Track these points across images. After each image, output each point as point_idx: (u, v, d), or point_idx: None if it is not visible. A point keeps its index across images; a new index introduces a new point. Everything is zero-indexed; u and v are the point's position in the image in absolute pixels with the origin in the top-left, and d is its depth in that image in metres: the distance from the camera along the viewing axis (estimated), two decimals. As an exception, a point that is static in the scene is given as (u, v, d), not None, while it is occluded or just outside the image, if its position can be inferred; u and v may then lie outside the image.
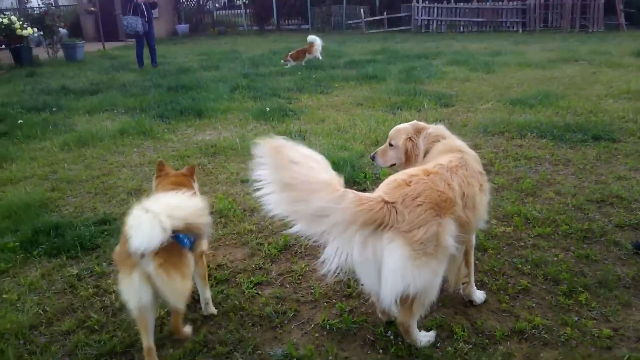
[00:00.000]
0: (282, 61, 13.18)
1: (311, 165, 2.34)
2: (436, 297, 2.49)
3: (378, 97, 8.46)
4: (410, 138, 2.96)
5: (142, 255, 2.22)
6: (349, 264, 2.36)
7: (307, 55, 13.32)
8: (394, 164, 3.10)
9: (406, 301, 2.44)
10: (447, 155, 2.72)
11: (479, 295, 3.00)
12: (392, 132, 3.10)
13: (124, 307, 3.01)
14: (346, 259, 2.35)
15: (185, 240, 2.41)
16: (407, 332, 2.59)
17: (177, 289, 2.31)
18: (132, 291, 2.31)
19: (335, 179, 2.34)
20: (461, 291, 3.01)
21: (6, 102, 9.12)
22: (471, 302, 2.98)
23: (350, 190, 2.34)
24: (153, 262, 2.24)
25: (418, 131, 2.97)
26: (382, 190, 2.47)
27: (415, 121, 3.08)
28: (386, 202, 2.34)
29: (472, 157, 2.78)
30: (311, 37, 13.84)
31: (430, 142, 2.90)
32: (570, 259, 3.37)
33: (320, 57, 13.58)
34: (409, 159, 2.97)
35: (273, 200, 2.41)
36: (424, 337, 2.64)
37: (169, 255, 2.28)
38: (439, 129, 2.96)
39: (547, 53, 13.73)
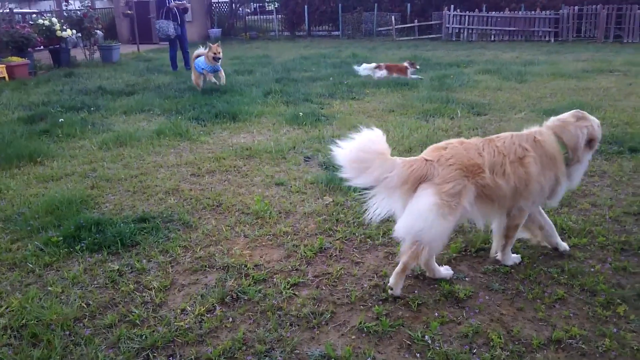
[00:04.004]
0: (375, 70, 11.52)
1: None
2: (441, 249, 3.13)
3: (410, 105, 8.48)
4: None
5: None
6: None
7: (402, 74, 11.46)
8: None
9: (415, 245, 2.93)
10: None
11: (513, 259, 3.46)
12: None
13: (164, 303, 3.12)
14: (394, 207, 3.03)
15: None
16: (402, 272, 3.08)
17: None
18: None
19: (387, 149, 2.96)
20: (498, 256, 3.46)
21: (46, 101, 9.40)
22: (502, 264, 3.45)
23: (398, 157, 3.00)
24: None
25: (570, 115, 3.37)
26: (424, 153, 3.10)
27: (579, 111, 3.40)
28: (426, 160, 2.96)
29: (525, 136, 3.22)
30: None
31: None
32: (607, 271, 3.35)
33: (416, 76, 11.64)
34: None
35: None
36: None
37: None
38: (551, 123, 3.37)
39: (580, 63, 13.56)
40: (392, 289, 3.11)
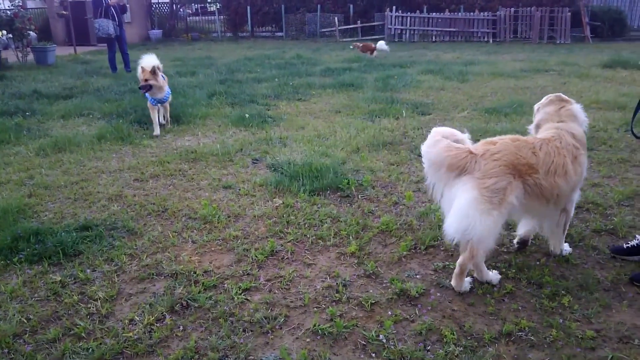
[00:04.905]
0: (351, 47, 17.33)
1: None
2: (492, 246, 3.01)
3: (356, 105, 8.53)
4: (539, 105, 3.62)
5: None
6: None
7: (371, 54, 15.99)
8: None
9: (466, 245, 2.95)
10: (546, 132, 3.25)
11: (565, 248, 3.54)
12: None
13: (111, 313, 3.00)
14: (439, 195, 3.07)
15: None
16: (461, 274, 3.09)
17: None
18: None
19: (441, 130, 3.08)
20: (551, 248, 3.54)
21: (-24, 106, 8.91)
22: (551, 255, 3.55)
23: (446, 140, 2.99)
24: None
25: (549, 103, 3.53)
26: (476, 145, 3.05)
27: (560, 94, 3.59)
28: (470, 153, 2.91)
29: (569, 133, 3.21)
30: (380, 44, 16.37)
31: (544, 119, 3.45)
32: (551, 263, 3.46)
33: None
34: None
35: None
36: (466, 284, 3.14)
37: None
38: (562, 112, 3.41)
39: (518, 63, 14.04)
40: (457, 288, 3.12)
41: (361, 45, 16.84)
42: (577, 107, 3.49)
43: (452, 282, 3.13)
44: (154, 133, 6.88)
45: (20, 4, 19.36)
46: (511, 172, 2.86)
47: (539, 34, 22.08)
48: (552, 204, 3.12)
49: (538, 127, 3.56)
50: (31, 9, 25.96)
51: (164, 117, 7.39)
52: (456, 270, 3.10)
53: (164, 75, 7.33)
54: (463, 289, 3.11)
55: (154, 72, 6.84)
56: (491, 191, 2.81)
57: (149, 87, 6.87)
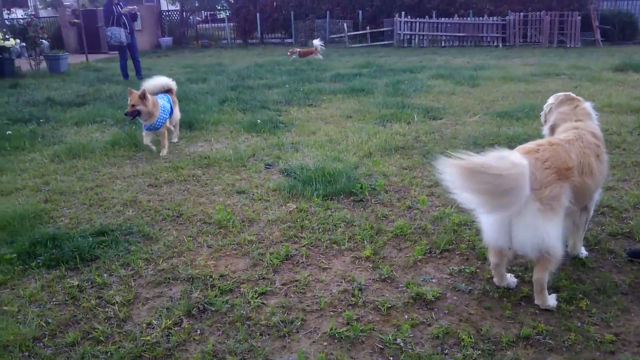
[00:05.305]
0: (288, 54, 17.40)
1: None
2: (562, 252, 2.90)
3: (367, 110, 8.55)
4: (550, 106, 3.63)
5: None
6: None
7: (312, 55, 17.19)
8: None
9: (540, 257, 2.85)
10: (566, 133, 3.21)
11: (582, 251, 3.52)
12: (552, 96, 3.74)
13: (129, 317, 3.02)
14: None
15: None
16: (541, 290, 2.97)
17: None
18: None
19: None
20: (568, 249, 3.49)
21: (-9, 114, 9.02)
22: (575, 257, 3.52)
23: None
24: None
25: (561, 103, 3.55)
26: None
27: (569, 93, 3.61)
28: None
29: (589, 132, 3.20)
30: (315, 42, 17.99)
31: (560, 119, 3.45)
32: (568, 267, 3.44)
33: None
34: (545, 121, 3.68)
35: None
36: (552, 300, 3.01)
37: None
38: (578, 110, 3.44)
39: (528, 67, 14.01)
40: (542, 305, 3.01)
41: (298, 50, 17.60)
42: (589, 105, 3.51)
43: (537, 301, 3.01)
44: (146, 149, 6.34)
45: (33, 12, 19.59)
46: (559, 177, 2.83)
47: (549, 38, 22.02)
48: (578, 204, 3.11)
49: (553, 128, 3.55)
50: (43, 17, 26.28)
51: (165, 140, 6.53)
52: (536, 288, 2.99)
53: (170, 99, 6.79)
54: (549, 304, 2.99)
55: (143, 96, 6.11)
56: (551, 199, 2.77)
57: (136, 113, 6.14)
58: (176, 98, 7.16)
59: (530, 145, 3.02)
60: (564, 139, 3.08)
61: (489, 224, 2.92)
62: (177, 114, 7.04)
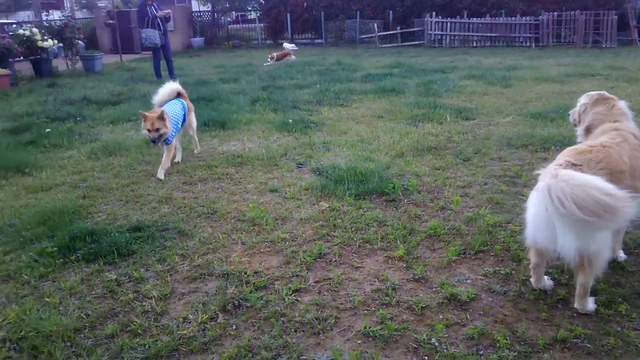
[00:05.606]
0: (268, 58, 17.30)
1: None
2: (610, 255, 2.88)
3: (398, 110, 8.52)
4: (585, 106, 3.57)
5: None
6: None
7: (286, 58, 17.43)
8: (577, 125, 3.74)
9: (584, 261, 2.74)
10: (608, 134, 3.16)
11: (620, 255, 3.46)
12: (583, 95, 3.72)
13: (165, 312, 3.08)
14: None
15: None
16: (584, 294, 2.88)
17: None
18: None
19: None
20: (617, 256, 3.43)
21: (30, 112, 9.28)
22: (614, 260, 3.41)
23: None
24: None
25: (596, 103, 3.49)
26: (566, 156, 2.92)
27: (603, 92, 3.56)
28: (573, 165, 2.78)
29: (630, 133, 3.16)
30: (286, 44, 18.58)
31: (596, 119, 3.41)
32: (606, 270, 3.37)
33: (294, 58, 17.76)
34: (579, 122, 3.63)
35: None
36: (591, 304, 2.93)
37: None
38: (615, 111, 3.40)
39: (562, 68, 13.76)
40: (582, 310, 2.94)
41: (276, 55, 17.54)
42: (624, 104, 3.44)
43: (576, 305, 2.93)
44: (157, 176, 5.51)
45: (70, 14, 20.06)
46: (613, 179, 2.72)
47: (584, 38, 21.59)
48: None
49: (589, 129, 3.49)
50: (79, 19, 26.86)
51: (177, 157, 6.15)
52: (579, 291, 2.90)
53: (185, 105, 6.15)
54: (589, 309, 2.91)
55: (162, 117, 5.44)
56: None
57: (160, 137, 5.50)
58: (191, 103, 6.51)
59: (582, 146, 2.99)
60: (612, 142, 3.02)
61: (534, 224, 2.81)
62: (192, 121, 6.41)
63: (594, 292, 3.11)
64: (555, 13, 22.29)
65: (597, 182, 2.48)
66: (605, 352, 2.62)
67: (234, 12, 35.75)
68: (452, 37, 23.86)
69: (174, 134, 5.73)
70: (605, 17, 21.22)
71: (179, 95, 6.23)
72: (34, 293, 3.33)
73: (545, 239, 2.77)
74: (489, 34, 23.35)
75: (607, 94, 3.53)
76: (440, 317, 2.95)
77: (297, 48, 18.22)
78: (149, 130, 5.41)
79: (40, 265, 3.64)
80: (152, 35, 13.25)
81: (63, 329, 2.91)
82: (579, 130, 3.64)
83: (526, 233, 2.94)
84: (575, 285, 2.95)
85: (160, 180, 5.41)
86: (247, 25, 32.58)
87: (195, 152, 6.40)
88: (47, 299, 3.23)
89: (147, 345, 2.77)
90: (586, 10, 21.75)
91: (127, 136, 7.38)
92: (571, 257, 2.70)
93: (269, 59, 17.21)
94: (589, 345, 2.66)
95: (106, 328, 2.93)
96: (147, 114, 5.48)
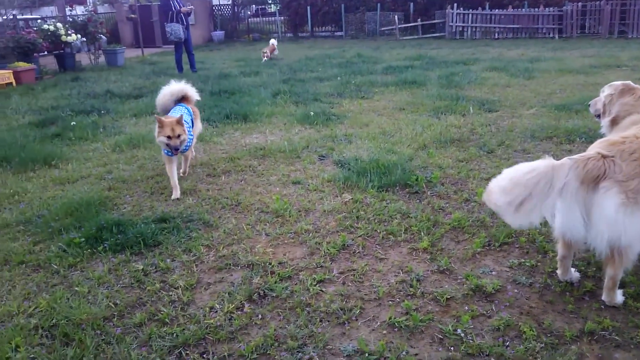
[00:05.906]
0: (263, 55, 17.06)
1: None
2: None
3: (420, 102, 8.47)
4: (611, 96, 3.51)
5: None
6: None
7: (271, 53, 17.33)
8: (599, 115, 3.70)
9: (615, 253, 2.71)
10: (639, 125, 3.05)
11: None
12: (606, 85, 3.64)
13: (192, 301, 3.12)
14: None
15: None
16: (613, 287, 2.85)
17: None
18: None
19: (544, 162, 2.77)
20: None
21: (55, 106, 9.43)
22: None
23: (565, 159, 2.72)
24: None
25: (623, 93, 3.44)
26: (597, 147, 2.81)
27: (628, 82, 3.51)
28: (604, 157, 2.68)
29: None
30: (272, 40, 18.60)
31: (624, 110, 3.37)
32: (636, 263, 3.33)
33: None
34: (604, 113, 3.56)
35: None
36: (619, 296, 2.90)
37: None
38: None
39: (586, 59, 13.53)
40: (610, 302, 2.92)
41: (268, 51, 17.39)
42: None
43: (604, 297, 2.91)
44: (173, 196, 4.79)
45: (93, 9, 20.29)
46: None
47: (609, 29, 21.19)
48: None
49: (616, 120, 3.42)
50: (101, 13, 27.13)
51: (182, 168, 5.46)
52: (608, 284, 2.86)
53: (191, 110, 5.34)
54: (617, 301, 2.89)
55: (180, 121, 4.75)
56: (636, 192, 2.59)
57: (181, 143, 4.79)
58: (196, 108, 5.68)
59: (615, 137, 2.89)
60: None
61: (564, 214, 2.74)
62: (198, 126, 5.67)
63: (622, 285, 3.07)
64: (580, 3, 21.90)
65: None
66: (634, 344, 2.59)
67: (253, 6, 35.75)
68: (474, 29, 23.60)
69: (191, 141, 5.15)
70: (632, 6, 20.78)
71: (182, 99, 5.44)
72: (64, 282, 3.40)
73: (575, 230, 2.71)
74: (511, 26, 23.05)
75: (632, 83, 3.46)
76: (466, 308, 2.95)
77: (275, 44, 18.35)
78: (169, 137, 4.66)
79: (69, 255, 3.71)
80: (177, 29, 13.35)
81: (93, 317, 2.97)
82: (604, 122, 3.57)
83: (554, 224, 2.89)
84: (603, 277, 2.92)
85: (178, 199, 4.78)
86: (267, 18, 32.60)
87: (180, 172, 5.34)
88: (76, 288, 3.29)
89: (174, 334, 2.81)
90: (612, 0, 21.33)
91: (150, 129, 7.43)
92: (602, 249, 2.68)
93: (264, 58, 16.88)
94: (617, 338, 2.64)
95: (134, 317, 2.98)
96: (164, 119, 4.76)
